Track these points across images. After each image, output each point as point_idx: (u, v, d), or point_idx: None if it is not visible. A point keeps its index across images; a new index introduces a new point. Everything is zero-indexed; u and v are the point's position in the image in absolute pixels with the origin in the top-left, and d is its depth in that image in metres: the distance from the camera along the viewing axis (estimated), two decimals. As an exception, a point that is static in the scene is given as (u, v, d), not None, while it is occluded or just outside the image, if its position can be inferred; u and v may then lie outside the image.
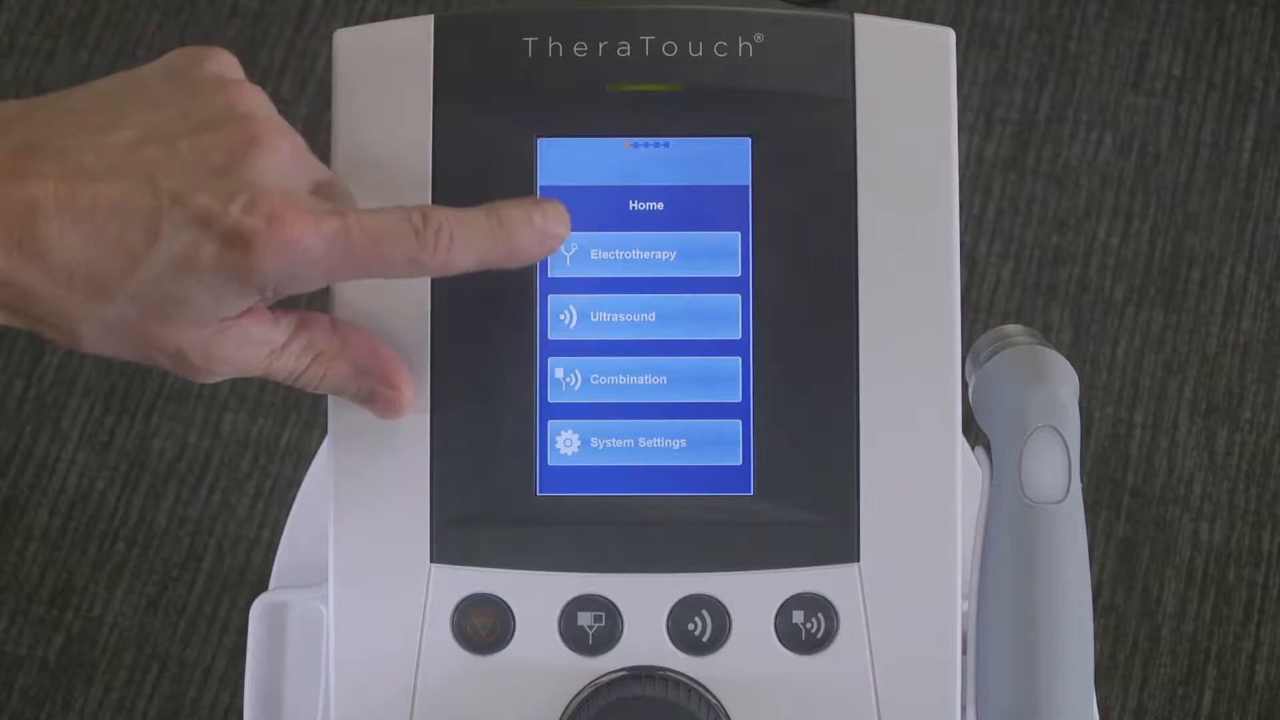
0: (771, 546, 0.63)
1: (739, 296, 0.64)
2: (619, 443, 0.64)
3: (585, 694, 0.63)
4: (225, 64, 0.60)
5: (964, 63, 1.40)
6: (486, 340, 0.63)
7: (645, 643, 0.63)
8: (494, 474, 0.63)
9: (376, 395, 0.62)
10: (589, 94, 0.64)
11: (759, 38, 0.64)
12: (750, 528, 0.63)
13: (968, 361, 0.65)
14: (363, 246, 0.56)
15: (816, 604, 0.63)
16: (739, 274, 0.64)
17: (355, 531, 0.63)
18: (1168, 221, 1.37)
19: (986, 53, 1.41)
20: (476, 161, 0.64)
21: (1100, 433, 1.32)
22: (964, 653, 0.63)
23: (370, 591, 0.63)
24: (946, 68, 0.64)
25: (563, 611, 0.63)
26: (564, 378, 0.64)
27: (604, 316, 0.64)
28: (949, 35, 0.64)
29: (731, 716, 0.63)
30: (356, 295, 0.63)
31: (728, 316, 0.64)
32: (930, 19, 1.41)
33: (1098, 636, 1.20)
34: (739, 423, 0.64)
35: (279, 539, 0.85)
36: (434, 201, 0.63)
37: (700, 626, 0.63)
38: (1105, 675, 1.26)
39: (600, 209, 0.64)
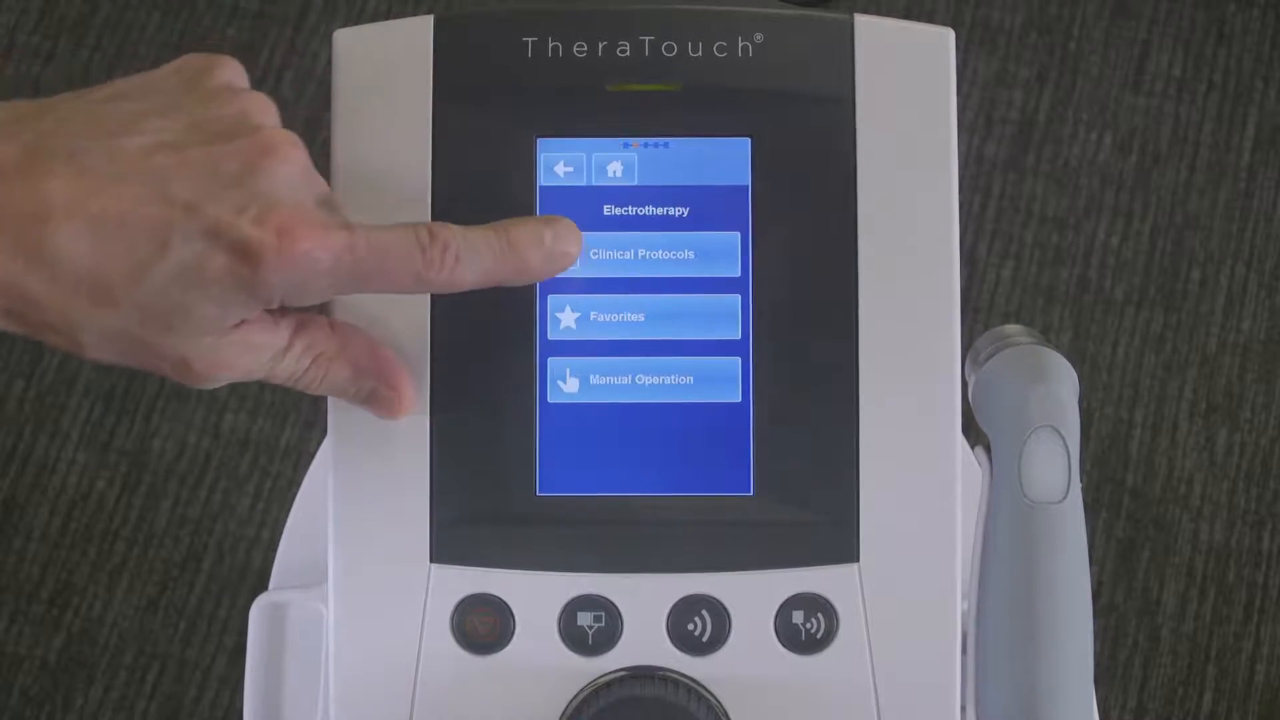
0: (771, 546, 0.63)
1: (739, 296, 0.64)
2: (618, 442, 0.64)
3: (585, 694, 0.63)
4: (236, 73, 0.60)
5: (964, 63, 1.40)
6: (486, 340, 0.63)
7: (645, 643, 0.63)
8: (494, 474, 0.63)
9: (376, 395, 0.62)
10: (589, 94, 0.64)
11: (759, 38, 0.64)
12: (750, 528, 0.63)
13: (968, 361, 0.65)
14: (369, 261, 0.56)
15: (816, 604, 0.63)
16: (739, 274, 0.64)
17: (355, 531, 0.63)
18: (1168, 221, 1.37)
19: (986, 53, 1.41)
20: (476, 161, 0.64)
21: (1100, 433, 1.32)
22: (964, 653, 0.63)
23: (370, 591, 0.63)
24: (946, 68, 0.64)
25: (563, 611, 0.63)
26: (563, 378, 0.64)
27: (603, 316, 0.64)
28: (949, 35, 0.64)
29: (731, 716, 0.63)
30: (357, 296, 0.63)
31: (728, 316, 0.64)
32: (930, 19, 1.41)
33: (1098, 636, 1.20)
34: (739, 423, 0.64)
35: (279, 539, 0.85)
36: (433, 202, 0.63)
37: (700, 626, 0.63)
38: (1105, 675, 1.26)
39: (600, 209, 0.64)
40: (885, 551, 0.63)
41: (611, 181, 0.64)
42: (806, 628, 0.63)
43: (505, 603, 0.63)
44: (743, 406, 0.64)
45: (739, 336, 0.64)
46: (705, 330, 0.64)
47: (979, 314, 1.35)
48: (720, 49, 0.64)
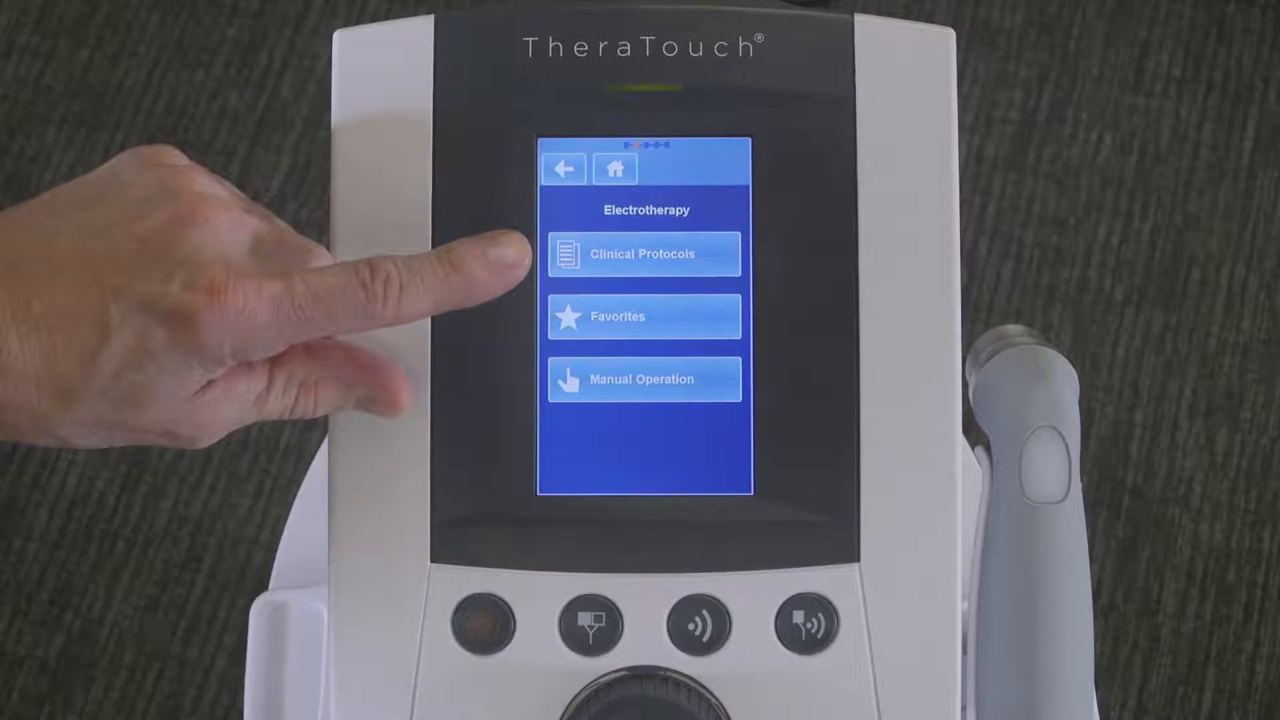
0: (771, 546, 0.63)
1: (739, 296, 0.64)
2: (619, 442, 0.64)
3: (585, 694, 0.63)
4: (166, 155, 0.60)
5: (964, 63, 1.40)
6: (486, 340, 0.63)
7: (645, 643, 0.63)
8: (494, 474, 0.63)
9: (373, 399, 0.62)
10: (589, 94, 0.64)
11: (759, 38, 0.64)
12: (750, 528, 0.63)
13: (968, 361, 0.65)
14: (310, 306, 0.56)
15: (816, 604, 0.63)
16: (739, 274, 0.64)
17: (355, 531, 0.63)
18: (1168, 221, 1.37)
19: (986, 53, 1.41)
20: (476, 161, 0.64)
21: (1100, 433, 1.32)
22: (964, 653, 0.63)
23: (370, 591, 0.63)
24: (946, 68, 0.64)
25: (563, 611, 0.63)
26: (564, 377, 0.64)
27: (603, 316, 0.64)
28: (949, 35, 0.64)
29: (731, 716, 0.63)
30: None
31: (728, 316, 0.64)
32: (930, 19, 1.41)
33: (1098, 636, 1.20)
34: (739, 423, 0.64)
35: (279, 539, 0.85)
36: (434, 202, 0.63)
37: (700, 626, 0.63)
38: (1105, 675, 1.26)
39: (600, 209, 0.64)
40: (885, 551, 0.63)
41: (612, 181, 0.64)
42: (807, 628, 0.63)
43: (505, 603, 0.63)
44: (743, 406, 0.64)
45: (739, 336, 0.64)
46: (705, 330, 0.64)
47: (979, 314, 1.35)
48: (720, 49, 0.64)
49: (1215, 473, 1.31)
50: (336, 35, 0.64)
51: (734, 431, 0.64)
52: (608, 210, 0.64)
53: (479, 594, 0.63)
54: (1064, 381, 0.62)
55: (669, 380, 0.64)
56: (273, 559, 0.86)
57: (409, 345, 0.63)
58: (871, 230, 0.63)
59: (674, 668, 0.63)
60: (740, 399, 0.64)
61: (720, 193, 0.64)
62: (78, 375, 0.56)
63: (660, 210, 0.64)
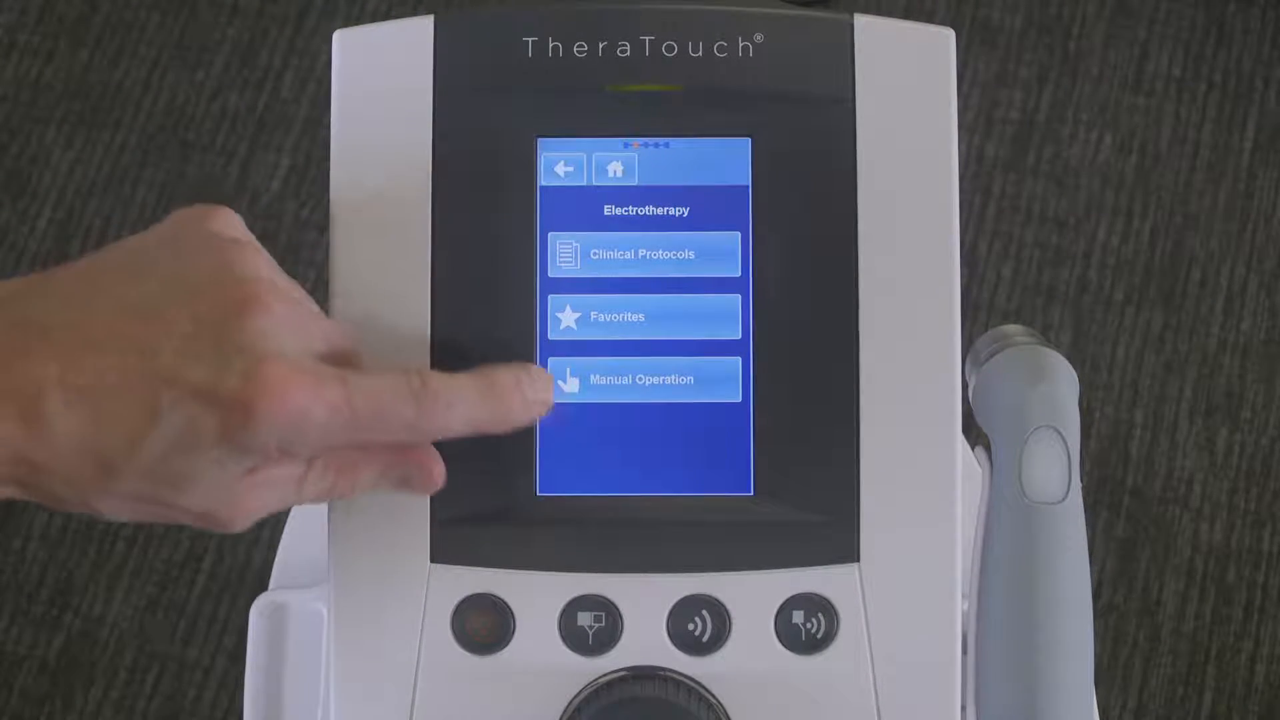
0: (771, 546, 0.63)
1: (739, 296, 0.64)
2: (619, 442, 0.64)
3: (585, 694, 0.63)
4: (225, 222, 0.59)
5: (964, 63, 1.40)
6: (486, 340, 0.63)
7: (645, 643, 0.63)
8: (494, 474, 0.63)
9: (410, 479, 0.61)
10: (589, 94, 0.64)
11: (759, 38, 0.64)
12: (750, 528, 0.63)
13: (968, 361, 0.65)
14: (365, 412, 0.56)
15: (816, 604, 0.63)
16: (739, 274, 0.64)
17: (355, 531, 0.63)
18: (1168, 221, 1.37)
19: (986, 53, 1.41)
20: (476, 161, 0.64)
21: (1100, 433, 1.32)
22: (964, 653, 0.63)
23: (370, 591, 0.63)
24: (946, 68, 0.64)
25: (563, 611, 0.63)
26: (564, 377, 0.64)
27: (603, 316, 0.64)
28: (949, 35, 0.64)
29: (731, 716, 0.63)
30: (356, 299, 0.63)
31: (728, 316, 0.64)
32: (930, 19, 1.41)
33: (1098, 636, 1.20)
34: (739, 423, 0.64)
35: (279, 539, 0.85)
36: (434, 203, 0.63)
37: (700, 626, 0.63)
38: (1105, 675, 1.26)
39: (600, 209, 0.64)
40: (885, 551, 0.63)
41: (612, 181, 0.64)
42: (807, 628, 0.63)
43: (505, 603, 0.63)
44: (743, 406, 0.64)
45: (739, 336, 0.64)
46: (705, 330, 0.64)
47: (979, 314, 1.35)
48: (720, 49, 0.64)
49: (1215, 473, 1.31)
50: (336, 35, 0.64)
51: (734, 431, 0.64)
52: (607, 210, 0.64)
53: (479, 594, 0.63)
54: (1064, 381, 0.62)
55: (669, 380, 0.64)
56: (273, 559, 0.86)
57: (409, 346, 0.63)
58: (871, 230, 0.63)
59: (674, 668, 0.63)
60: (740, 399, 0.64)
61: (720, 193, 0.64)
62: (121, 454, 0.54)
63: (660, 210, 0.64)
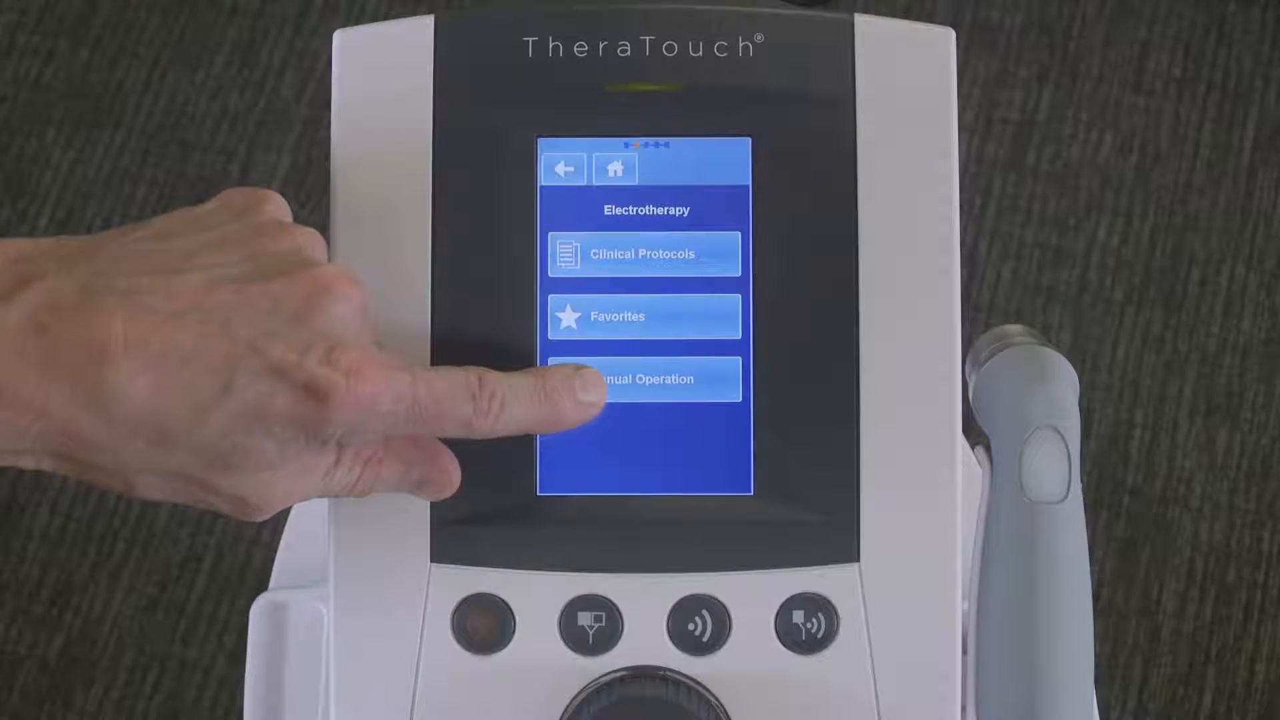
0: (771, 546, 0.63)
1: (739, 296, 0.64)
2: (619, 442, 0.64)
3: (585, 694, 0.63)
4: (281, 207, 0.59)
5: (964, 63, 1.40)
6: (487, 340, 0.63)
7: (645, 643, 0.63)
8: (494, 473, 0.63)
9: (428, 481, 0.61)
10: (589, 94, 0.64)
11: (759, 38, 0.64)
12: (750, 528, 0.63)
13: (968, 361, 0.65)
14: (427, 405, 0.56)
15: (816, 604, 0.63)
16: (739, 274, 0.64)
17: (355, 531, 0.63)
18: (1168, 221, 1.37)
19: (986, 53, 1.41)
20: (476, 161, 0.64)
21: (1100, 433, 1.32)
22: (964, 653, 0.63)
23: (370, 591, 0.63)
24: (946, 68, 0.64)
25: (563, 611, 0.63)
26: (564, 378, 0.64)
27: (604, 316, 0.64)
28: (949, 35, 0.64)
29: (731, 716, 0.63)
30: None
31: (728, 316, 0.64)
32: (930, 19, 1.41)
33: (1098, 636, 1.20)
34: (739, 423, 0.64)
35: (279, 539, 0.85)
36: (434, 203, 0.63)
37: (700, 626, 0.63)
38: (1105, 675, 1.26)
39: (600, 209, 0.64)
40: (885, 551, 0.63)
41: (612, 181, 0.64)
42: (807, 628, 0.63)
43: (505, 603, 0.63)
44: (743, 406, 0.64)
45: (739, 336, 0.64)
46: (705, 330, 0.64)
47: (979, 314, 1.35)
48: (720, 49, 0.64)
49: (1215, 473, 1.31)
50: (336, 35, 0.64)
51: (734, 431, 0.64)
52: (607, 210, 0.64)
53: (479, 594, 0.63)
54: (1064, 381, 0.62)
55: (669, 380, 0.64)
56: (273, 559, 0.86)
57: (409, 344, 0.63)
58: (871, 230, 0.63)
59: (674, 668, 0.63)
60: (740, 399, 0.64)
61: (720, 193, 0.64)
62: (184, 425, 0.53)
63: (660, 210, 0.64)
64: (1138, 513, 1.30)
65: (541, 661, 0.63)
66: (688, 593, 0.63)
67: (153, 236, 0.56)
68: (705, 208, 0.64)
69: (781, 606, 0.63)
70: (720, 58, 0.64)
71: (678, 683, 0.63)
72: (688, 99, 0.64)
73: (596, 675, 0.63)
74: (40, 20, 1.42)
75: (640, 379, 0.64)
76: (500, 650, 0.63)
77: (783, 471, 0.63)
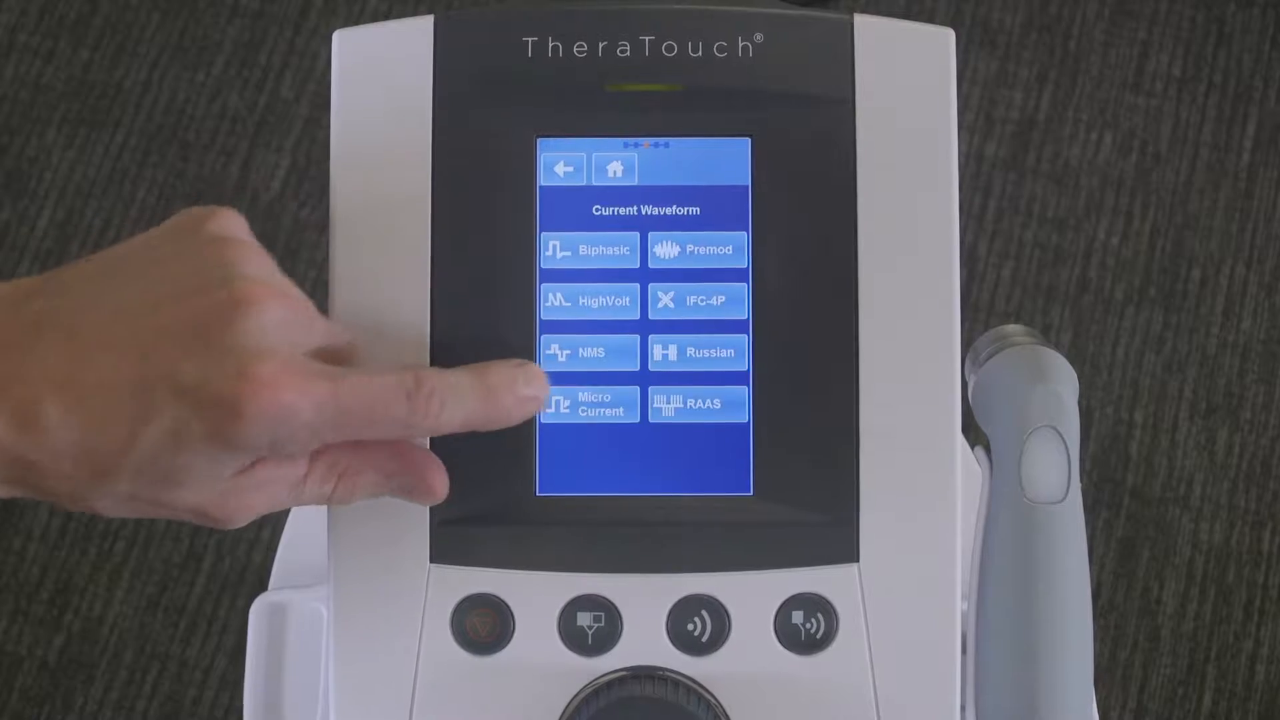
0: (771, 546, 0.63)
1: (739, 296, 0.64)
2: (619, 442, 0.64)
3: (585, 694, 0.63)
4: (227, 223, 0.59)
5: (964, 63, 1.40)
6: (486, 339, 0.63)
7: (645, 643, 0.63)
8: (493, 474, 0.63)
9: (412, 489, 0.61)
10: (589, 94, 0.64)
11: (759, 38, 0.64)
12: (750, 528, 0.63)
13: (968, 361, 0.65)
14: (355, 410, 0.56)
15: (816, 604, 0.63)
16: (739, 275, 0.64)
17: (355, 532, 0.63)
18: (1168, 221, 1.37)
19: (986, 53, 1.41)
20: (476, 162, 0.64)
21: (1100, 433, 1.32)
22: (964, 653, 0.63)
23: (370, 592, 0.63)
24: (946, 68, 0.64)
25: (562, 611, 0.63)
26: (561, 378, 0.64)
27: (603, 317, 0.64)
28: (949, 35, 0.64)
29: (731, 716, 0.63)
30: (355, 299, 0.63)
31: (728, 316, 0.64)
32: (930, 19, 1.41)
33: (1098, 636, 1.20)
34: (739, 423, 0.64)
35: (279, 539, 0.85)
36: (433, 203, 0.63)
37: (700, 626, 0.63)
38: (1105, 675, 1.26)
39: (600, 209, 0.64)
40: (885, 551, 0.63)
41: (611, 181, 0.64)
42: (806, 628, 0.63)
43: (505, 603, 0.63)
44: (742, 407, 0.64)
45: (739, 336, 0.64)
46: (705, 329, 0.64)
47: (979, 314, 1.35)
48: (720, 49, 0.64)
49: (1215, 473, 1.31)
50: (336, 35, 0.64)
51: (733, 432, 0.64)
52: (607, 210, 0.64)
53: (478, 594, 0.63)
54: (1064, 381, 0.62)
55: (670, 381, 0.64)
56: (273, 559, 0.86)
57: (408, 346, 0.63)
58: (871, 230, 0.63)
59: (673, 668, 0.63)
60: (739, 401, 0.64)
61: (720, 193, 0.64)
62: (114, 452, 0.55)
63: (660, 210, 0.64)
64: (1138, 513, 1.30)
65: (541, 661, 0.63)
66: (687, 593, 0.63)
67: (101, 265, 0.58)
68: (705, 208, 0.64)
69: (781, 607, 0.63)
70: (720, 58, 0.64)
71: (677, 683, 0.63)
72: (688, 99, 0.64)
73: (596, 675, 0.63)
74: (40, 20, 1.42)
75: (640, 379, 0.64)
76: (500, 650, 0.63)
77: (782, 471, 0.63)
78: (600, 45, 0.64)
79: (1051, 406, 0.61)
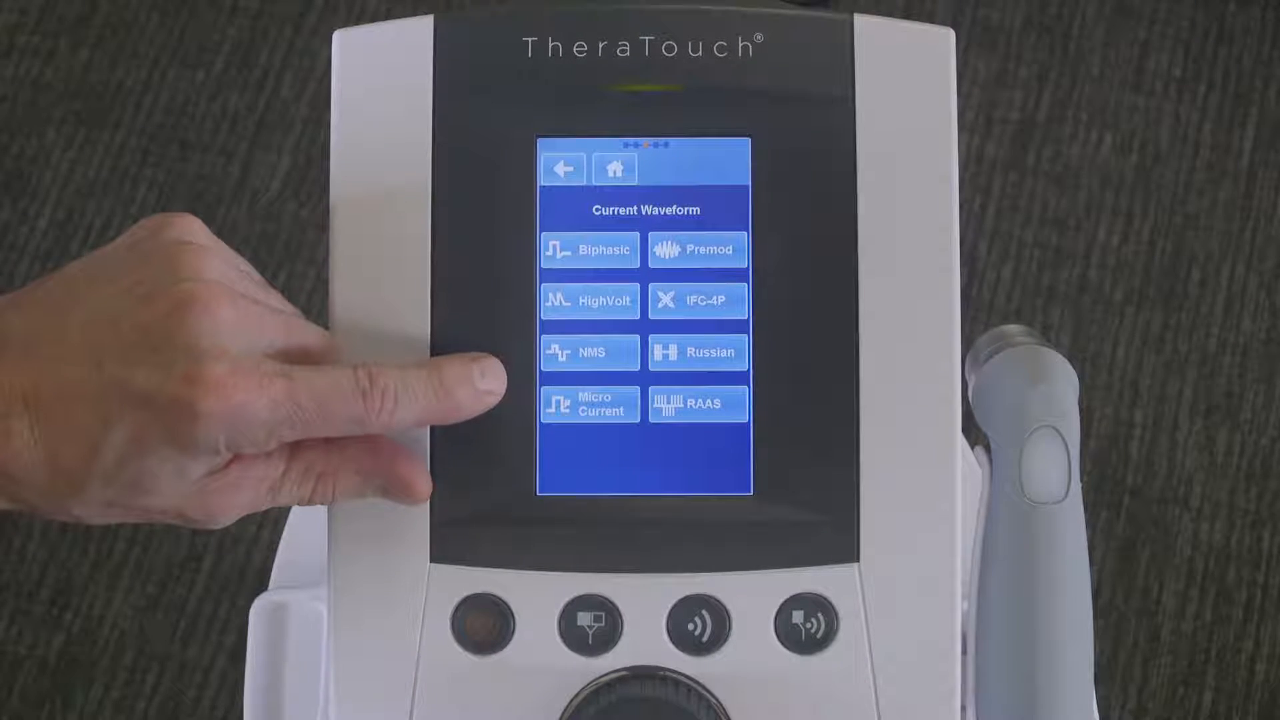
0: (771, 546, 0.63)
1: (740, 296, 0.64)
2: (619, 446, 0.64)
3: (585, 694, 0.63)
4: (184, 228, 0.59)
5: (964, 63, 1.40)
6: (486, 339, 0.63)
7: (645, 643, 0.63)
8: (494, 473, 0.63)
9: (392, 489, 0.61)
10: (589, 94, 0.64)
11: (759, 38, 0.64)
12: (750, 528, 0.63)
13: (968, 361, 0.65)
14: (309, 408, 0.57)
15: (816, 604, 0.63)
16: (739, 275, 0.64)
17: (355, 531, 0.63)
18: (1168, 221, 1.37)
19: (986, 53, 1.41)
20: (476, 162, 0.64)
21: (1100, 433, 1.32)
22: (964, 653, 0.63)
23: (370, 592, 0.63)
24: (946, 68, 0.64)
25: (563, 611, 0.63)
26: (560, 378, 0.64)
27: (603, 317, 0.64)
28: (949, 35, 0.64)
29: (731, 716, 0.63)
30: (355, 299, 0.63)
31: (728, 315, 0.64)
32: (930, 19, 1.41)
33: (1098, 636, 1.20)
34: (739, 423, 0.64)
35: (279, 539, 0.85)
36: (433, 203, 0.63)
37: (700, 626, 0.63)
38: (1105, 675, 1.26)
39: (600, 209, 0.64)
40: (885, 551, 0.63)
41: (611, 181, 0.64)
42: (806, 628, 0.63)
43: (505, 603, 0.63)
44: (742, 407, 0.64)
45: (739, 335, 0.64)
46: (705, 329, 0.64)
47: (979, 314, 1.35)
48: (720, 49, 0.64)
49: (1215, 473, 1.31)
50: (336, 35, 0.64)
51: (733, 431, 0.64)
52: (607, 210, 0.64)
53: (479, 594, 0.63)
54: (1064, 381, 0.62)
55: (670, 381, 0.64)
56: (273, 559, 0.86)
57: (408, 348, 0.63)
58: (871, 230, 0.63)
59: (674, 668, 0.63)
60: (739, 401, 0.64)
61: (720, 193, 0.64)
62: (81, 464, 0.56)
63: (660, 210, 0.64)
64: (1138, 513, 1.30)
65: (541, 661, 0.63)
66: (687, 593, 0.63)
67: (61, 280, 0.58)
68: (705, 208, 0.64)
69: (781, 606, 0.63)
70: (720, 58, 0.64)
71: (677, 683, 0.63)
72: (687, 99, 0.64)
73: (596, 675, 0.63)
74: (40, 20, 1.42)
75: (640, 379, 0.64)
76: (500, 650, 0.63)
77: (782, 471, 0.63)
78: (600, 45, 0.64)
79: (1051, 406, 0.61)
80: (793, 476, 0.63)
